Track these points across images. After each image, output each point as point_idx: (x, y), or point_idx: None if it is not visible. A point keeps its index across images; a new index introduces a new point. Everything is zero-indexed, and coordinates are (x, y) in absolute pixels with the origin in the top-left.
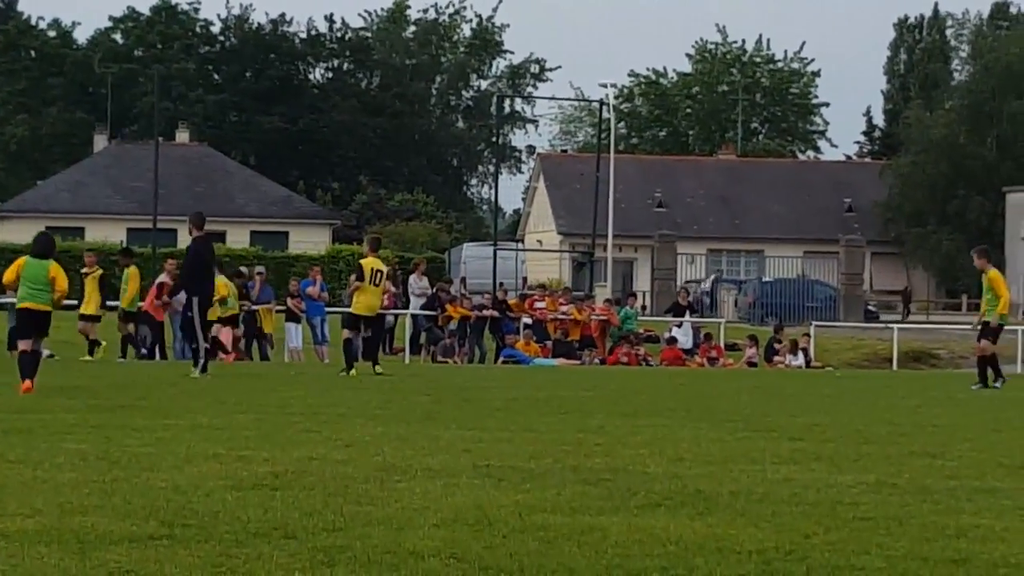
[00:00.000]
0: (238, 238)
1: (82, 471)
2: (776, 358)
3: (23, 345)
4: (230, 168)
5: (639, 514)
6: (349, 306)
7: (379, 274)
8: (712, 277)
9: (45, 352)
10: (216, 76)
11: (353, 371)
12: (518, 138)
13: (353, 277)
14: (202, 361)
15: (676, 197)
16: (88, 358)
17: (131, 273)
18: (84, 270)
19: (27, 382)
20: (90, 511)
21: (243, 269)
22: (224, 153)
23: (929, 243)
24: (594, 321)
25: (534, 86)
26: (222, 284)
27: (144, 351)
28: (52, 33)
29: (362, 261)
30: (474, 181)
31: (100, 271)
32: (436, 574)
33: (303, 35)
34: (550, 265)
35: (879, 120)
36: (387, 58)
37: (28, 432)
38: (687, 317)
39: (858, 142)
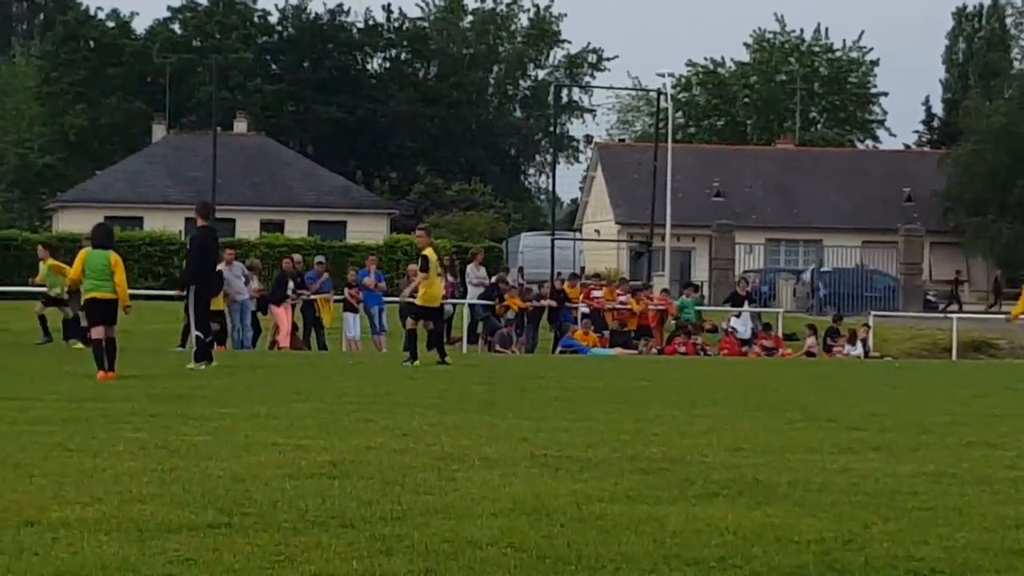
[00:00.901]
0: (296, 227)
1: (141, 460)
2: (835, 348)
3: (97, 333)
4: (288, 158)
5: (697, 503)
6: (412, 297)
7: (438, 265)
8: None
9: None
10: (274, 66)
11: (417, 361)
12: (576, 128)
13: (417, 268)
14: (195, 350)
15: (734, 186)
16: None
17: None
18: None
19: (105, 371)
20: (149, 500)
21: (256, 261)
22: (282, 143)
23: (989, 232)
24: (652, 311)
25: (592, 75)
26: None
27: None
28: (111, 24)
29: (426, 252)
30: (532, 171)
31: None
32: (494, 563)
33: (361, 25)
34: (608, 255)
35: (938, 109)
36: (445, 48)
37: (87, 421)
38: (745, 307)
39: (917, 131)
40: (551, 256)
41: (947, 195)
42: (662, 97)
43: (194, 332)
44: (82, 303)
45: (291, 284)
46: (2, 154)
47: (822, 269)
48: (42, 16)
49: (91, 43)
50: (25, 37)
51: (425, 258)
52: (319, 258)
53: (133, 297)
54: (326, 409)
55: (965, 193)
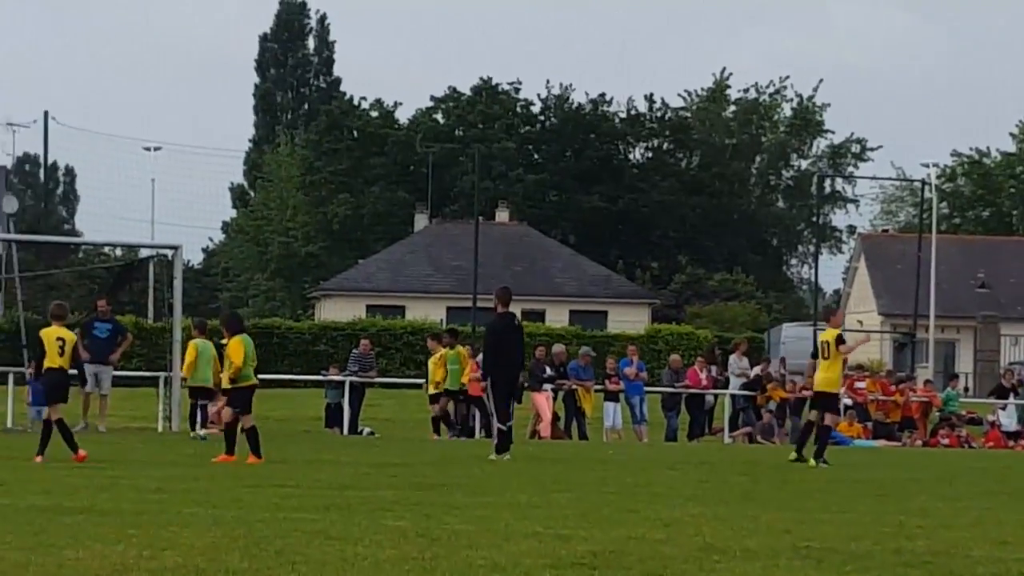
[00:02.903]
0: (557, 317)
1: (402, 548)
2: None
3: (249, 420)
4: (549, 247)
5: None
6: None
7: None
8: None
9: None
10: (536, 155)
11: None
12: (839, 218)
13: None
14: (495, 443)
15: (999, 278)
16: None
17: (461, 353)
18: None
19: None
20: None
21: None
22: (543, 232)
23: None
24: (915, 402)
25: (855, 166)
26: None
27: (456, 429)
28: (374, 113)
29: None
30: (794, 261)
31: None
32: None
33: (623, 115)
34: (870, 346)
35: None
36: (707, 137)
37: (348, 509)
38: (1011, 399)
39: None
40: (813, 347)
41: None
42: (926, 187)
43: (495, 425)
44: (233, 390)
45: (548, 371)
46: (266, 242)
47: None
48: (307, 106)
49: (355, 132)
50: (290, 126)
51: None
52: (584, 349)
53: (398, 385)
54: (587, 499)
55: None
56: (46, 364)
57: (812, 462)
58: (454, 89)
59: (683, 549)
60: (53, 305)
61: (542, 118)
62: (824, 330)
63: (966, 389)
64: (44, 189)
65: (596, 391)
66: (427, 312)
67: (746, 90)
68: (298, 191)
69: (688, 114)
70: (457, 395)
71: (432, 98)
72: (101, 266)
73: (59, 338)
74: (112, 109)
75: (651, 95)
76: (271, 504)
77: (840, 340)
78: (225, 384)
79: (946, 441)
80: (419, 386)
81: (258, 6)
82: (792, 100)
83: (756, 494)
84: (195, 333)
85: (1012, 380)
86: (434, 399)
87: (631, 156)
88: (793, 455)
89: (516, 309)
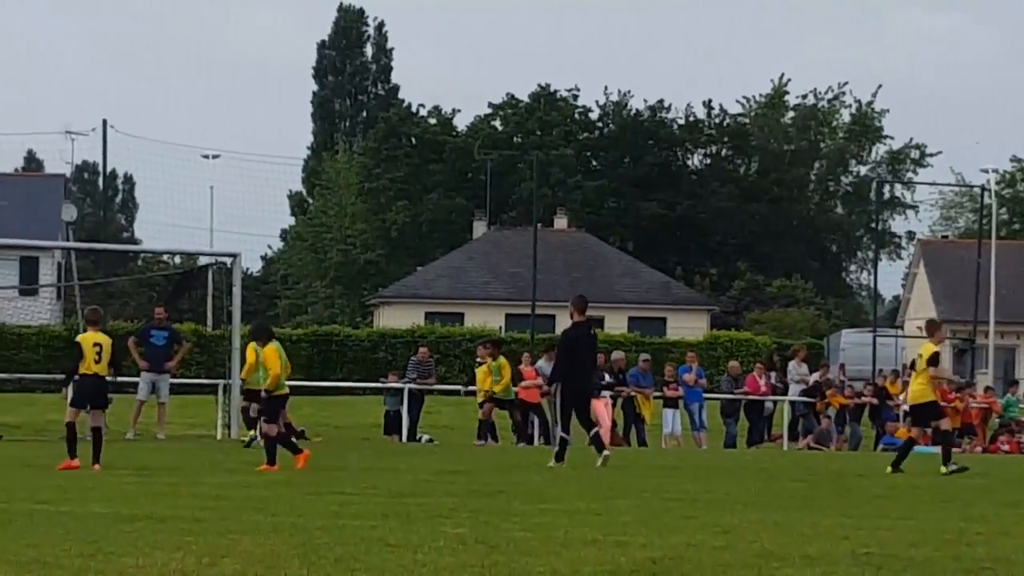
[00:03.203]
0: (616, 324)
1: (461, 555)
2: None
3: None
4: (608, 254)
5: None
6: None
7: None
8: None
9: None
10: (594, 162)
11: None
12: (898, 224)
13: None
14: (556, 450)
15: None
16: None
17: (503, 364)
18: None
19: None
20: None
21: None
22: (602, 239)
23: None
24: (975, 409)
25: (914, 171)
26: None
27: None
28: (433, 120)
29: None
30: (853, 267)
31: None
32: None
33: (681, 121)
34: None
35: None
36: (766, 144)
37: (407, 516)
38: None
39: None
40: (873, 353)
41: None
42: (986, 193)
43: (558, 433)
44: (267, 399)
45: (607, 378)
46: (325, 250)
47: None
48: (365, 113)
49: (413, 140)
50: (348, 134)
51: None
52: (644, 356)
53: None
54: (646, 505)
55: None
56: (81, 370)
57: (943, 469)
58: (512, 96)
59: (742, 556)
60: (88, 310)
61: (600, 125)
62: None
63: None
64: (103, 197)
65: (655, 398)
66: (485, 319)
67: (804, 96)
68: (357, 198)
69: (747, 120)
70: (504, 403)
71: (490, 105)
72: (160, 274)
73: (96, 344)
74: (171, 117)
75: (709, 101)
76: (330, 511)
77: (935, 359)
78: (268, 387)
79: (1006, 447)
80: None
81: (316, 13)
82: (851, 106)
83: (815, 500)
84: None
85: None
86: (482, 405)
87: (690, 162)
88: (889, 469)
89: None
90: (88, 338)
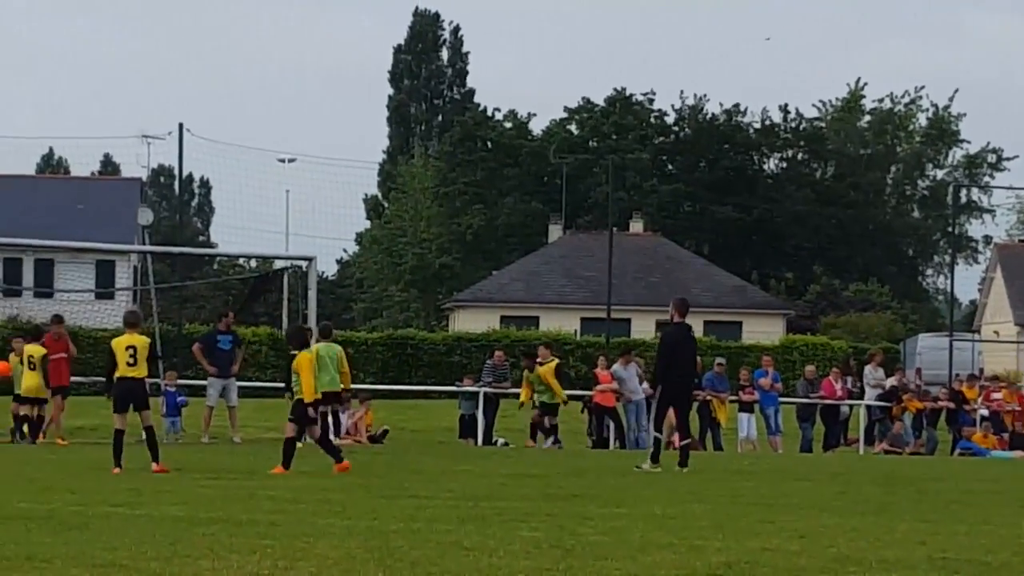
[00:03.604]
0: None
1: (536, 559)
2: None
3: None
4: (683, 258)
5: None
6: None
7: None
8: None
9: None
10: (670, 166)
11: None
12: (975, 228)
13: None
14: (652, 451)
15: None
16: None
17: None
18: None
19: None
20: None
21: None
22: (677, 243)
23: None
24: None
25: (991, 176)
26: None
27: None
28: (508, 124)
29: None
30: (929, 271)
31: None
32: None
33: (757, 125)
34: (1006, 356)
35: None
36: (842, 148)
37: (483, 520)
38: None
39: None
40: (949, 357)
41: None
42: None
43: (652, 432)
44: (296, 402)
45: None
46: (400, 254)
47: None
48: (440, 117)
49: (488, 144)
50: (424, 138)
51: None
52: (719, 360)
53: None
54: (721, 510)
55: None
56: (117, 374)
57: None
58: (588, 100)
59: (818, 560)
60: (126, 312)
61: (676, 128)
62: None
63: None
64: (179, 201)
65: (731, 402)
66: (561, 323)
67: (881, 100)
68: (432, 202)
69: (823, 124)
70: (549, 408)
71: (566, 109)
72: (236, 277)
73: (130, 346)
74: (247, 121)
75: (785, 106)
76: (406, 515)
77: None
78: (310, 397)
79: None
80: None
81: (392, 18)
82: (927, 110)
83: (892, 505)
84: (318, 337)
85: None
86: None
87: (766, 166)
88: None
89: (649, 320)
90: (121, 341)
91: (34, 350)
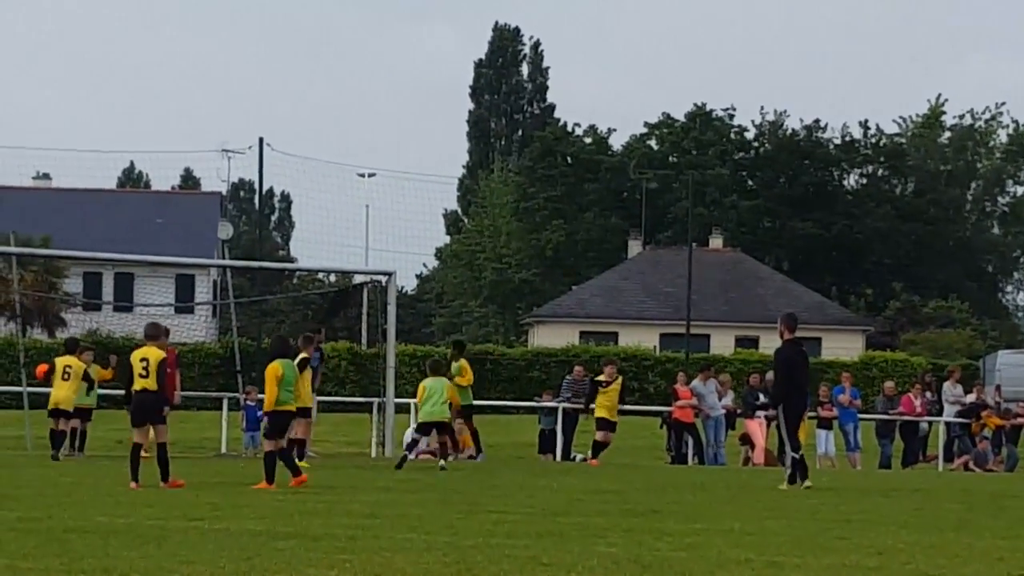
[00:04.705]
0: (771, 344)
1: (614, 574)
2: None
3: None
4: (763, 274)
5: None
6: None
7: None
8: None
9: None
10: (750, 182)
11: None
12: None
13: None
14: (788, 472)
15: None
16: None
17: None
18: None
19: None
20: None
21: (727, 376)
22: (757, 259)
23: None
24: None
25: None
26: None
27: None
28: (588, 140)
29: None
30: (1010, 288)
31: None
32: None
33: (837, 141)
34: None
35: None
36: (922, 164)
37: (561, 536)
38: None
39: None
40: None
41: None
42: None
43: (789, 453)
44: (272, 414)
45: (761, 398)
46: (479, 269)
47: None
48: (520, 132)
49: (568, 159)
50: (504, 153)
51: None
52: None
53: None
54: (800, 526)
55: None
56: (133, 387)
57: None
58: (668, 115)
59: None
60: (146, 324)
61: (756, 144)
62: None
63: None
64: (259, 215)
65: (809, 418)
66: (640, 338)
67: (961, 116)
68: (512, 217)
69: (903, 141)
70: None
71: (646, 124)
72: (315, 292)
73: (143, 359)
74: (327, 135)
75: (866, 122)
76: (484, 530)
77: None
78: (268, 408)
79: None
80: (635, 413)
81: (473, 33)
82: (1008, 126)
83: (971, 522)
84: (428, 372)
85: None
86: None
87: (845, 182)
88: None
89: (729, 336)
90: (136, 354)
91: (70, 362)
